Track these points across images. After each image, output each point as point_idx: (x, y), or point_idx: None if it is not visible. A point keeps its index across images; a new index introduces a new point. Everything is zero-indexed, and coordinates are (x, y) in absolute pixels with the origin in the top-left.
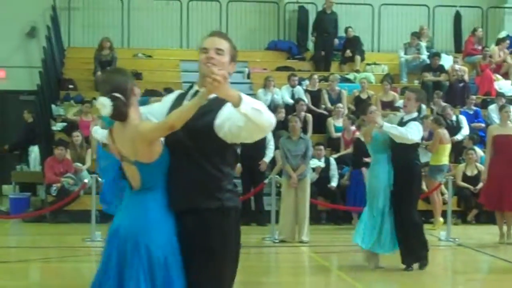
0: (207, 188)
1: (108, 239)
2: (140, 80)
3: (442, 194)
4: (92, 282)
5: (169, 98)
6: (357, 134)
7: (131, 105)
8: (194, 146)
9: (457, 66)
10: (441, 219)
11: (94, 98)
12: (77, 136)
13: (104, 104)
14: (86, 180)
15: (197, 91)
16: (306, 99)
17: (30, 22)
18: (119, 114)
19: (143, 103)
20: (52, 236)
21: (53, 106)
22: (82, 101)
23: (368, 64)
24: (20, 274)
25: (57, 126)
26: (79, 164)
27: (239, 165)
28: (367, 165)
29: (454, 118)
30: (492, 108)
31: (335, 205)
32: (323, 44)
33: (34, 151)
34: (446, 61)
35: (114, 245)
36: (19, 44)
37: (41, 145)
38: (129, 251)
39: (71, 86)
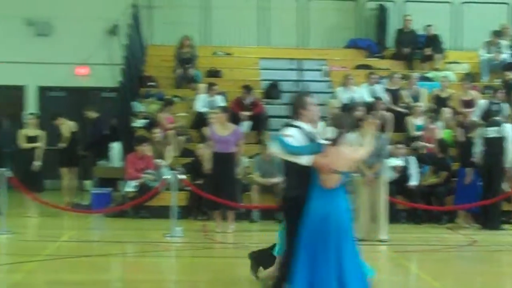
0: None
1: (318, 224)
2: (219, 77)
3: None
4: (298, 261)
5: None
6: (437, 132)
7: None
8: None
9: None
10: None
11: (175, 96)
12: (157, 133)
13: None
14: (166, 176)
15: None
16: (386, 97)
17: (112, 20)
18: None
19: None
20: (133, 231)
21: (134, 103)
22: (162, 98)
23: (449, 63)
24: (101, 268)
25: (138, 122)
26: (159, 160)
27: None
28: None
29: None
30: None
31: (414, 204)
32: (403, 42)
33: (115, 147)
34: None
35: (326, 228)
36: (101, 42)
37: (122, 141)
38: (340, 230)
39: (151, 83)
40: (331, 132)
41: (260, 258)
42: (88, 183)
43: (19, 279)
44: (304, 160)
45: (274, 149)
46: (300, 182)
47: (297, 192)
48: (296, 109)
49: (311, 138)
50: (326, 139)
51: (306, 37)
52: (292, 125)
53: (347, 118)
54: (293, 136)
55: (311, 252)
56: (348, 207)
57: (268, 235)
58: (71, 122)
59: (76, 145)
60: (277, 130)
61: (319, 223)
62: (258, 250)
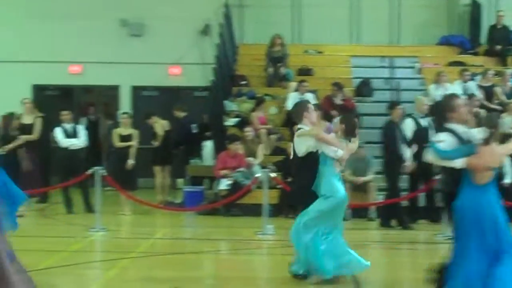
0: None
1: (473, 220)
2: (310, 76)
3: None
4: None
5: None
6: None
7: None
8: None
9: None
10: None
11: (266, 94)
12: (249, 131)
13: None
14: (258, 175)
15: None
16: (479, 94)
17: (203, 20)
18: None
19: None
20: (225, 228)
21: (226, 102)
22: (254, 96)
23: None
24: (193, 265)
25: (230, 121)
26: (251, 159)
27: (411, 162)
28: None
29: None
30: None
31: (509, 202)
32: (495, 39)
33: (208, 146)
34: None
35: (481, 225)
36: (194, 42)
37: (214, 140)
38: (497, 226)
39: (243, 82)
40: (481, 132)
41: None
42: (180, 181)
43: (113, 275)
44: (459, 163)
45: (429, 157)
46: (455, 179)
47: (452, 189)
48: (445, 112)
49: (466, 139)
50: (478, 139)
51: (398, 35)
52: (444, 129)
53: (497, 118)
54: (445, 141)
55: (466, 248)
56: (499, 201)
57: (359, 233)
58: (164, 121)
59: (169, 144)
60: (368, 128)
61: (474, 219)
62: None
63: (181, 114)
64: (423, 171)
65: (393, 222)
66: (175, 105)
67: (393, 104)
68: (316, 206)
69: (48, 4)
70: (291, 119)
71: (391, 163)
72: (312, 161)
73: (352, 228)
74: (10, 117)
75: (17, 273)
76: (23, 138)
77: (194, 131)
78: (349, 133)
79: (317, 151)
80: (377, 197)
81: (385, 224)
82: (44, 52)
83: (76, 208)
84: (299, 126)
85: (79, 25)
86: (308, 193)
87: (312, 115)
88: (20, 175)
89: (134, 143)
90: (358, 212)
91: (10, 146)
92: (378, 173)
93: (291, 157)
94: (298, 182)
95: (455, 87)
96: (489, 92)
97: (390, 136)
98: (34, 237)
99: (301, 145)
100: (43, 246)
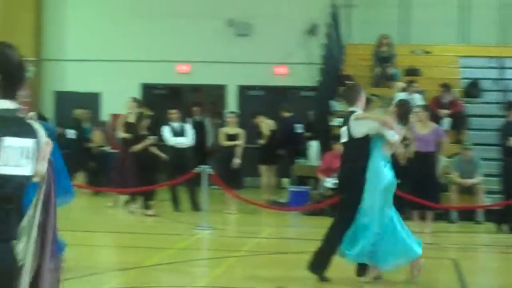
0: None
1: None
2: (418, 76)
3: None
4: None
5: None
6: None
7: None
8: None
9: None
10: None
11: (373, 94)
12: None
13: None
14: None
15: None
16: None
17: (310, 20)
18: None
19: None
20: None
21: (332, 101)
22: None
23: None
24: (298, 265)
25: (336, 121)
26: None
27: None
28: None
29: None
30: None
31: None
32: None
33: (313, 146)
34: None
35: None
36: (300, 42)
37: (320, 140)
38: None
39: (350, 82)
40: None
41: None
42: (286, 181)
43: (220, 273)
44: None
45: None
46: None
47: None
48: None
49: None
50: None
51: (507, 35)
52: None
53: None
54: None
55: None
56: None
57: (466, 236)
58: (270, 121)
59: (275, 144)
60: (477, 130)
61: None
62: None
63: (286, 114)
64: None
65: (504, 226)
66: (281, 105)
67: (510, 105)
68: (366, 203)
69: (157, 3)
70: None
71: (509, 165)
72: (367, 143)
73: (459, 231)
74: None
75: (51, 272)
76: (151, 139)
77: (299, 131)
78: (402, 118)
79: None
80: (486, 200)
81: (499, 227)
82: (152, 52)
83: (183, 206)
84: (351, 109)
85: (187, 25)
86: (362, 174)
87: (363, 99)
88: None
89: (240, 142)
90: (465, 215)
91: (139, 146)
92: (487, 175)
93: (343, 140)
94: (353, 163)
95: None
96: None
97: (509, 137)
98: (141, 234)
99: (361, 127)
100: (151, 243)
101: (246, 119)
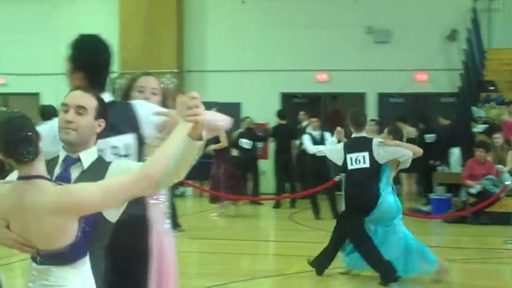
0: None
1: None
2: None
3: None
4: None
5: None
6: None
7: None
8: None
9: None
10: None
11: None
12: (498, 138)
13: None
14: (507, 183)
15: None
16: None
17: (450, 25)
18: None
19: None
20: (473, 237)
21: (473, 108)
22: (503, 102)
23: None
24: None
25: (478, 127)
26: (500, 166)
27: None
28: None
29: None
30: None
31: None
32: None
33: (455, 153)
34: None
35: None
36: (440, 48)
37: (462, 147)
38: None
39: (491, 88)
40: None
41: None
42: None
43: (360, 282)
44: None
45: None
46: None
47: None
48: None
49: None
50: None
51: None
52: None
53: None
54: None
55: None
56: None
57: None
58: (411, 128)
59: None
60: None
61: None
62: None
63: (445, 121)
64: None
65: None
66: (440, 113)
67: None
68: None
69: (295, 13)
70: None
71: None
72: None
73: None
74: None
75: None
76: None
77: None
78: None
79: None
80: None
81: None
82: (291, 61)
83: (324, 214)
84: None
85: (326, 34)
86: None
87: None
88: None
89: None
90: None
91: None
92: None
93: None
94: None
95: None
96: None
97: None
98: (284, 242)
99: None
100: (293, 251)
101: (385, 127)
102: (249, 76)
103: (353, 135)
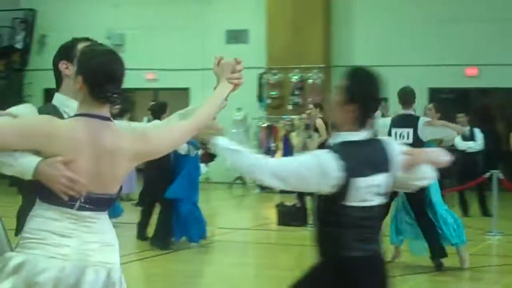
0: None
1: None
2: None
3: None
4: None
5: None
6: None
7: None
8: None
9: None
10: None
11: None
12: None
13: None
14: None
15: None
16: None
17: None
18: None
19: None
20: None
21: None
22: None
23: None
24: None
25: None
26: None
27: None
28: None
29: None
30: None
31: None
32: None
33: None
34: None
35: None
36: None
37: None
38: None
39: None
40: None
41: None
42: None
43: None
44: None
45: None
46: None
47: None
48: None
49: None
50: None
51: None
52: None
53: None
54: None
55: None
56: None
57: None
58: None
59: None
60: None
61: None
62: None
63: None
64: None
65: None
66: None
67: None
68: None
69: (444, 8)
70: None
71: None
72: None
73: None
74: None
75: None
76: None
77: None
78: None
79: None
80: None
81: None
82: (440, 56)
83: (472, 211)
84: None
85: (475, 28)
86: None
87: None
88: None
89: None
90: None
91: None
92: None
93: None
94: None
95: None
96: None
97: None
98: None
99: None
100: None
101: None
102: (396, 71)
103: (401, 112)
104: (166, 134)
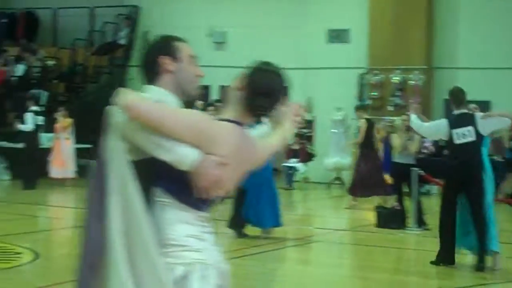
0: None
1: None
2: None
3: None
4: None
5: None
6: None
7: None
8: None
9: None
10: None
11: None
12: None
13: None
14: None
15: None
16: None
17: None
18: None
19: None
20: None
21: None
22: None
23: None
24: None
25: None
26: None
27: None
28: None
29: None
30: None
31: None
32: None
33: None
34: None
35: None
36: None
37: None
38: None
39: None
40: None
41: None
42: None
43: None
44: None
45: None
46: None
47: None
48: None
49: None
50: None
51: None
52: None
53: None
54: None
55: None
56: None
57: None
58: None
59: None
60: None
61: None
62: None
63: None
64: None
65: None
66: None
67: None
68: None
69: None
70: None
71: None
72: None
73: None
74: None
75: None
76: None
77: None
78: None
79: None
80: None
81: None
82: None
83: None
84: None
85: None
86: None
87: None
88: None
89: None
90: None
91: None
92: None
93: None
94: None
95: None
96: None
97: None
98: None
99: None
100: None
101: None
102: (500, 73)
103: (455, 112)
104: (263, 150)
